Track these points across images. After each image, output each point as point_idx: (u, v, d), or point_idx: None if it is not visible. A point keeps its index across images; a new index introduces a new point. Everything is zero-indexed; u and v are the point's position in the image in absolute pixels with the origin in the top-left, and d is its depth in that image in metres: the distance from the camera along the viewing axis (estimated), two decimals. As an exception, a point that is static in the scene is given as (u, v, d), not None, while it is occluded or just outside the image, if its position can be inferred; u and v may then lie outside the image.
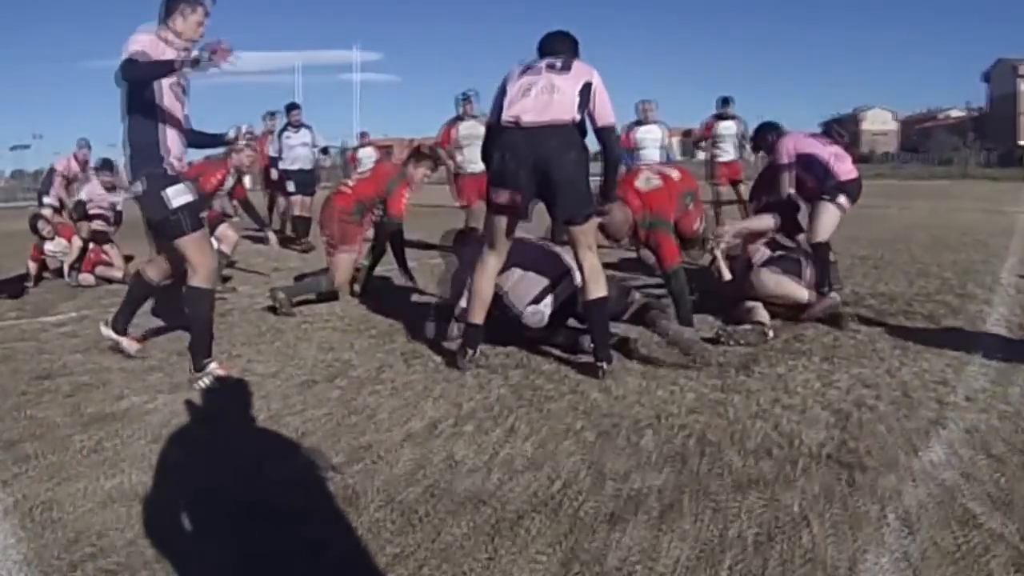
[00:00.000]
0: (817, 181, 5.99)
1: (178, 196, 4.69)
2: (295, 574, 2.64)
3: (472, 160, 9.54)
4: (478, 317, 4.91)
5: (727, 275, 5.94)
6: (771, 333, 5.50)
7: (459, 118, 10.42)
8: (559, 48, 4.80)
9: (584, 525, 2.86)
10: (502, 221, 4.74)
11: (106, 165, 10.05)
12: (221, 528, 2.96)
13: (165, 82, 4.57)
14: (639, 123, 11.40)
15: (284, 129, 12.67)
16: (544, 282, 5.15)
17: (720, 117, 12.30)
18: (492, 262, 4.87)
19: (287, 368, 5.18)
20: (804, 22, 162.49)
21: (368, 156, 15.55)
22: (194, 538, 2.91)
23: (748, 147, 10.47)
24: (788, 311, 5.91)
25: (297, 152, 12.60)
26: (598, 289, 4.71)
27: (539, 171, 4.50)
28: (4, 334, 6.59)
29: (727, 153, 12.19)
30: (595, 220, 4.82)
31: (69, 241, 9.42)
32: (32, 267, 9.40)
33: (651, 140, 11.09)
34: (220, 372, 4.84)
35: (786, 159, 6.06)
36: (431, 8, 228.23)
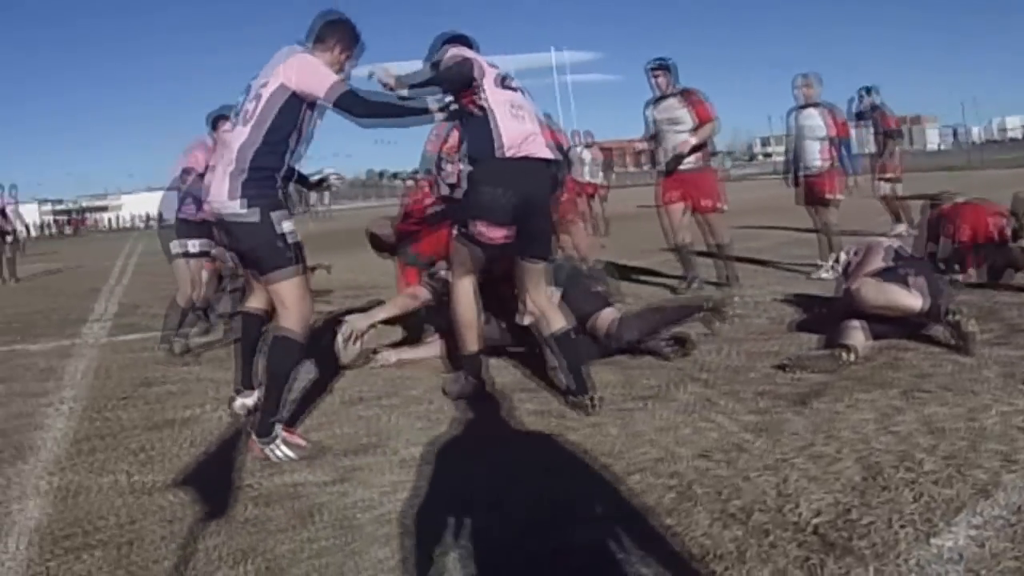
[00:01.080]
0: None
1: (285, 222, 4.36)
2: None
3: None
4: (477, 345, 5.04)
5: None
6: (851, 357, 5.07)
7: None
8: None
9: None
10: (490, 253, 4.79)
11: None
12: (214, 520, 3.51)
13: (314, 114, 4.47)
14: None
15: None
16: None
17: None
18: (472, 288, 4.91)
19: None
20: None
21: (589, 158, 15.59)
22: (192, 527, 3.47)
23: None
24: (914, 328, 5.48)
25: None
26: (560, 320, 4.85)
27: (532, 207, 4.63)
28: (140, 344, 8.02)
29: None
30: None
31: None
32: None
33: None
34: (289, 439, 4.40)
35: None
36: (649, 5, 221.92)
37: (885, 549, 2.71)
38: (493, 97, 4.59)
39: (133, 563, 3.14)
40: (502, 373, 5.55)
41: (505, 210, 4.58)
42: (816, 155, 9.06)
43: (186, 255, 7.35)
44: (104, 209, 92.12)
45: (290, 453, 4.20)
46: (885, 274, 5.46)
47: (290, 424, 4.55)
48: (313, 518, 3.39)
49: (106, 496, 3.90)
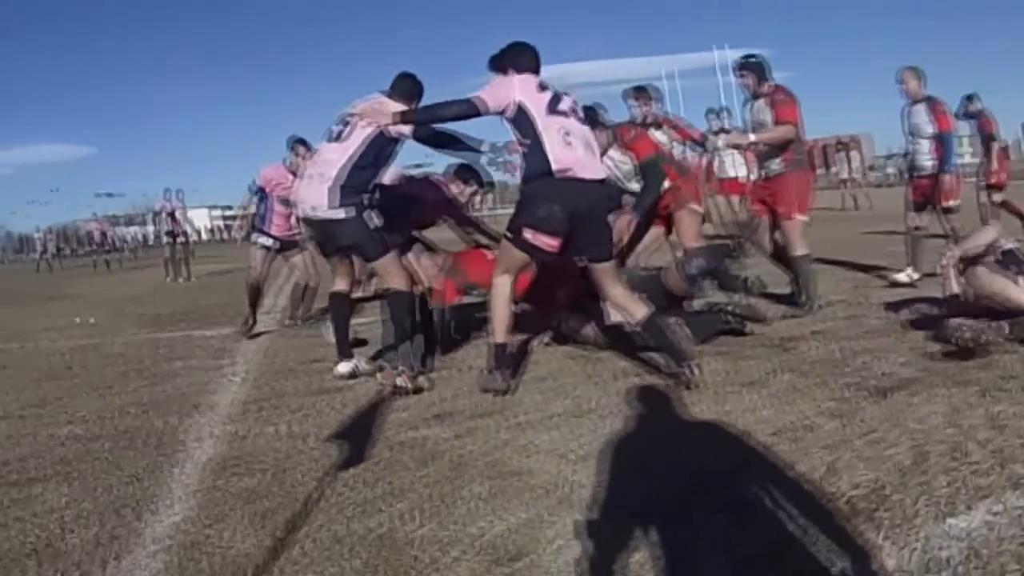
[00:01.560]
0: None
1: (374, 218, 5.99)
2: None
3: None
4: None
5: (954, 288, 5.96)
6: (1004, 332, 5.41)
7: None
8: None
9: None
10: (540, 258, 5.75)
11: None
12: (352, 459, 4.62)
13: (396, 144, 6.11)
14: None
15: None
16: None
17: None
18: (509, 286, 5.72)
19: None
20: None
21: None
22: (334, 463, 4.57)
23: None
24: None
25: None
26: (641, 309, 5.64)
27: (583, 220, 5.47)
28: (306, 331, 9.26)
29: None
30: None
31: None
32: None
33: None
34: (401, 382, 5.79)
35: None
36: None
37: (902, 521, 3.12)
38: (543, 123, 5.29)
39: (283, 484, 4.09)
40: (606, 361, 6.32)
41: (555, 222, 5.33)
42: (926, 154, 9.10)
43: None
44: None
45: (407, 385, 5.71)
46: (997, 266, 5.79)
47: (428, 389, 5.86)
48: (431, 462, 4.26)
49: (267, 440, 4.94)
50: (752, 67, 8.04)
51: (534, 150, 5.31)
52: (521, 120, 5.33)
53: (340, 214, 5.84)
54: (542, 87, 5.45)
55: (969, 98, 11.97)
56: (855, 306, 7.86)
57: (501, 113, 5.38)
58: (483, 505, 3.62)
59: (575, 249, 5.51)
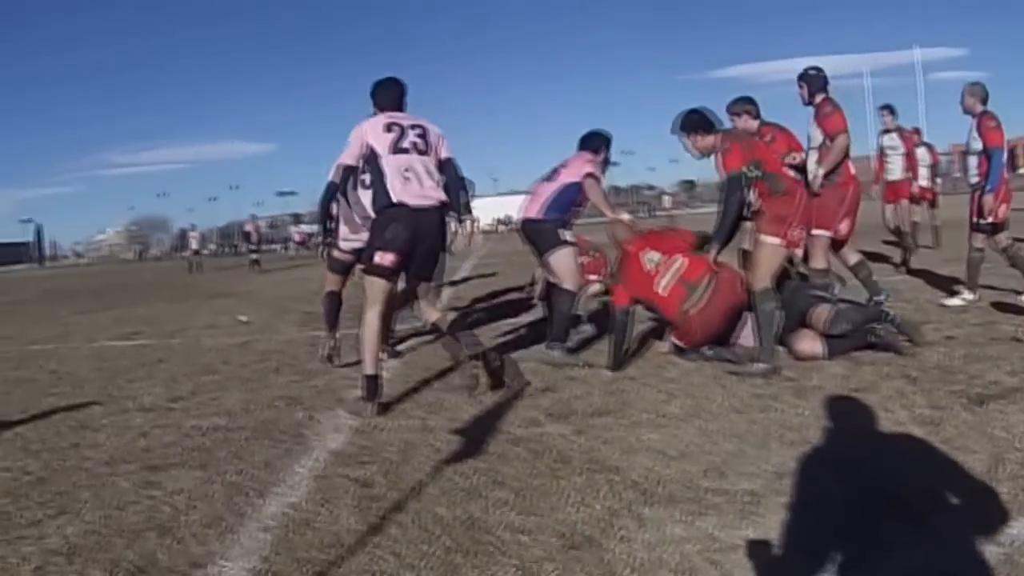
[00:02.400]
0: None
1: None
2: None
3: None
4: None
5: None
6: None
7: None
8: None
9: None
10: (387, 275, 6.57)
11: None
12: (470, 450, 5.26)
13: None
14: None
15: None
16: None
17: None
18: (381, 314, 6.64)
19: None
20: None
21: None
22: (453, 453, 5.20)
23: None
24: None
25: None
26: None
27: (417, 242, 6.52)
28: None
29: None
30: None
31: None
32: None
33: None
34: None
35: None
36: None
37: (950, 520, 3.58)
38: (386, 161, 6.43)
39: (399, 472, 4.73)
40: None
41: (399, 241, 6.38)
42: (973, 170, 9.30)
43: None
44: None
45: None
46: None
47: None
48: (541, 455, 4.82)
49: (394, 432, 5.60)
50: (804, 79, 8.81)
51: (377, 184, 6.50)
52: (370, 159, 6.51)
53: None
54: (389, 127, 6.55)
55: None
56: (994, 312, 8.17)
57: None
58: (573, 496, 4.13)
59: (412, 267, 6.59)
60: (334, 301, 8.63)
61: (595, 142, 8.29)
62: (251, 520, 4.14)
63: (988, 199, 9.03)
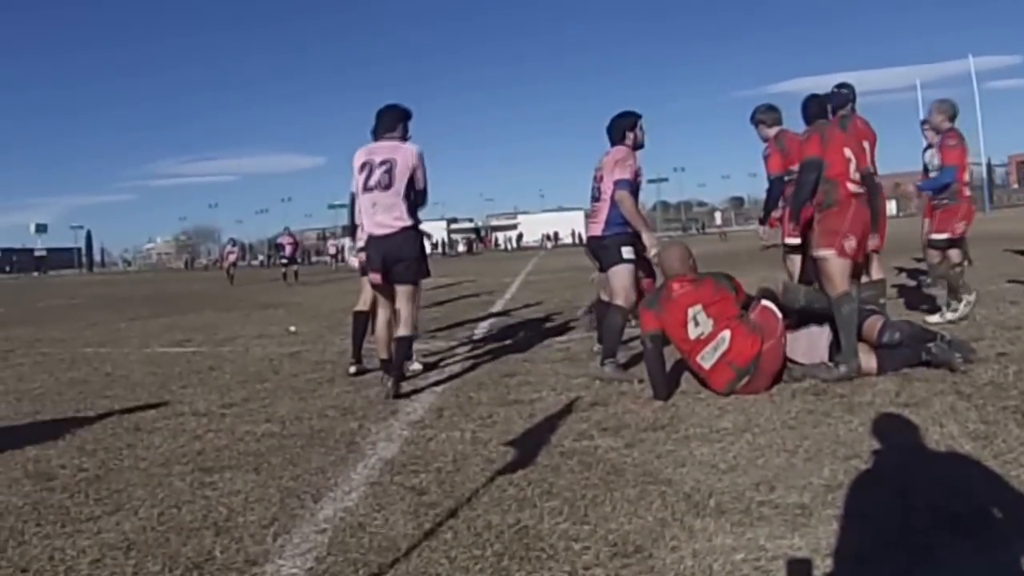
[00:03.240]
0: None
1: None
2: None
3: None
4: None
5: None
6: None
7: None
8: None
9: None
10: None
11: None
12: (522, 462, 5.44)
13: None
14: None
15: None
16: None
17: None
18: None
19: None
20: None
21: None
22: (506, 464, 5.34)
23: None
24: None
25: None
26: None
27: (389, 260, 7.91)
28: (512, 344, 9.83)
29: None
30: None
31: None
32: None
33: None
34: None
35: None
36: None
37: (999, 534, 3.65)
38: (361, 198, 8.03)
39: (453, 481, 4.88)
40: (789, 383, 6.90)
41: (374, 263, 7.88)
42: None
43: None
44: (510, 228, 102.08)
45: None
46: None
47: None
48: (594, 467, 4.93)
49: (447, 443, 5.74)
50: (834, 97, 8.94)
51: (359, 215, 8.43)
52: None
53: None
54: (362, 167, 7.92)
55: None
56: None
57: None
58: (625, 507, 4.26)
59: (391, 277, 7.91)
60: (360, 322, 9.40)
61: (620, 130, 8.30)
62: (306, 522, 4.29)
63: (938, 213, 9.84)
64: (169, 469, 5.43)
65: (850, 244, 6.91)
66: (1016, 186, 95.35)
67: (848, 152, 7.20)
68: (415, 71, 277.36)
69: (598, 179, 8.16)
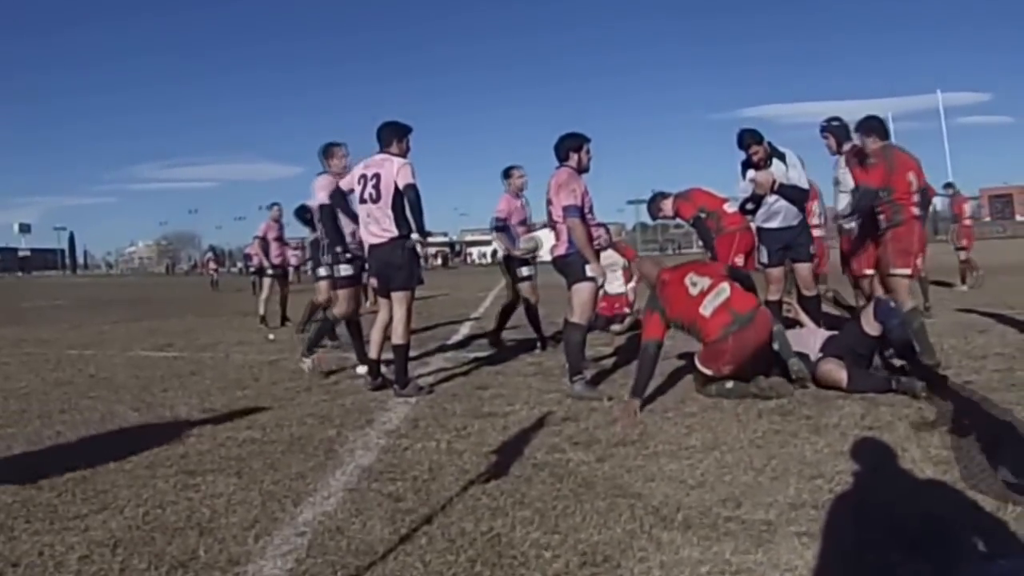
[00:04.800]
0: None
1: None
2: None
3: None
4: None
5: None
6: None
7: None
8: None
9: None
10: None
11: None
12: (495, 473, 5.45)
13: None
14: None
15: None
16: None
17: None
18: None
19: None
20: None
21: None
22: (479, 475, 5.40)
23: None
24: None
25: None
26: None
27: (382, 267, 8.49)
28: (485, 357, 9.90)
29: None
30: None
31: None
32: None
33: None
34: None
35: None
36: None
37: (959, 554, 3.71)
38: (358, 208, 8.41)
39: (428, 489, 4.92)
40: (757, 402, 7.00)
41: (372, 270, 8.60)
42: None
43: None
44: (485, 243, 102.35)
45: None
46: None
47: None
48: (565, 480, 4.98)
49: (423, 453, 5.79)
50: (834, 129, 9.28)
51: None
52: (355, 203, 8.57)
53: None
54: (359, 179, 8.33)
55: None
56: (1014, 359, 8.35)
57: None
58: (595, 518, 4.31)
59: (385, 284, 8.42)
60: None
61: (565, 149, 8.25)
62: (287, 525, 4.34)
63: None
64: (153, 471, 5.46)
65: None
66: (988, 219, 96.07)
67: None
68: (394, 84, 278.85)
69: (549, 203, 8.20)
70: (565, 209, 7.87)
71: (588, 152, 8.28)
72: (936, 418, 6.13)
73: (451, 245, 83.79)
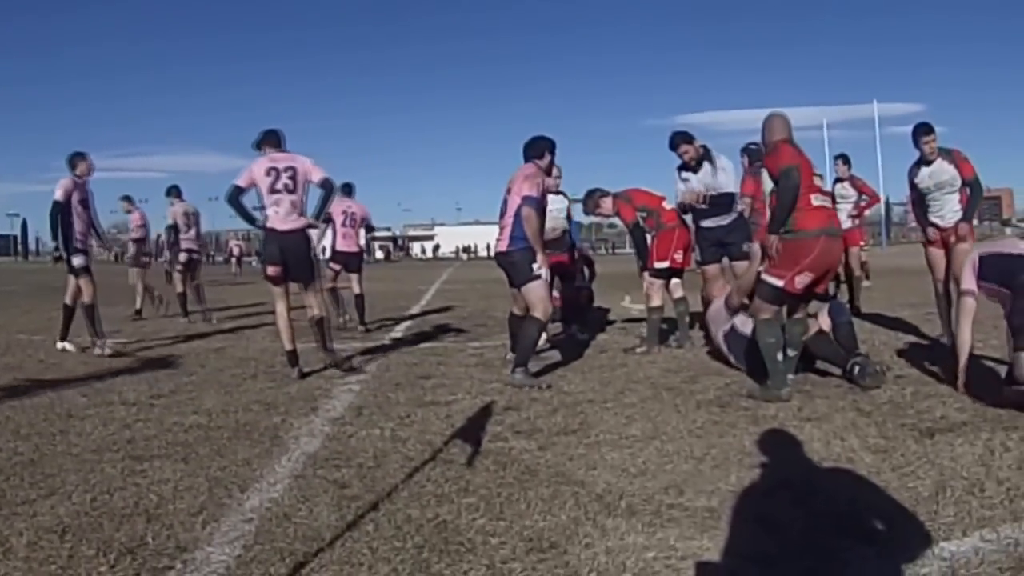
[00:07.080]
0: None
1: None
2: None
3: None
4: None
5: None
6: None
7: None
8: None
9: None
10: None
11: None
12: (440, 460, 5.36)
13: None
14: None
15: None
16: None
17: None
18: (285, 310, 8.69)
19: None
20: None
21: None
22: (425, 462, 5.29)
23: None
24: None
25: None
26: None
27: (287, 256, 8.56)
28: (428, 348, 9.75)
29: None
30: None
31: None
32: None
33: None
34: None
35: None
36: (980, 53, 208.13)
37: (898, 538, 3.70)
38: (267, 198, 8.44)
39: (373, 476, 4.80)
40: (696, 393, 6.89)
41: (271, 257, 8.50)
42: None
43: None
44: (427, 239, 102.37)
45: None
46: None
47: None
48: (509, 467, 4.90)
49: (367, 440, 5.67)
50: (751, 152, 10.67)
51: (261, 213, 8.67)
52: (258, 193, 8.48)
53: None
54: (269, 171, 8.41)
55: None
56: (947, 356, 8.23)
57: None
58: (539, 505, 4.23)
59: (291, 275, 8.54)
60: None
61: (539, 149, 8.31)
62: (234, 512, 4.19)
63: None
64: (101, 456, 5.28)
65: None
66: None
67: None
68: (339, 81, 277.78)
69: (510, 189, 8.09)
70: (525, 198, 7.79)
71: (553, 156, 8.41)
72: (872, 409, 6.16)
73: (394, 240, 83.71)
